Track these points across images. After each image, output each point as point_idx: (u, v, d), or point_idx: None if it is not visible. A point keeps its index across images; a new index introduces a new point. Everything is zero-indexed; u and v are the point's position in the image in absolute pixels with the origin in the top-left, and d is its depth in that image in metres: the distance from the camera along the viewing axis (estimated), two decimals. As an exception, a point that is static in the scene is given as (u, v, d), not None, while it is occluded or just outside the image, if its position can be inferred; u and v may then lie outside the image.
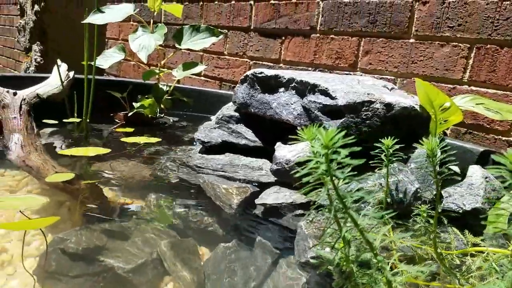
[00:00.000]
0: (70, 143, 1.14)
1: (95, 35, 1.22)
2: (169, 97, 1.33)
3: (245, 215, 0.85)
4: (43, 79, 1.35)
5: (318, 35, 1.51)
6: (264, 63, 1.70)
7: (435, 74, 1.26)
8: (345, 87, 0.86)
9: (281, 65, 1.64)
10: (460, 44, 1.20)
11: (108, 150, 1.01)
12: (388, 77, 1.36)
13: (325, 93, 0.86)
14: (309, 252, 0.70)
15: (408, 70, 1.31)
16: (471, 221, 0.81)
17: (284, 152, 0.92)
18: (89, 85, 1.26)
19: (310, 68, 1.55)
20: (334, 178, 0.46)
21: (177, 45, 1.30)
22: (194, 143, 1.14)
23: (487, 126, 1.19)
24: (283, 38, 1.62)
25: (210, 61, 1.91)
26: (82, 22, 1.21)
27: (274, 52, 1.65)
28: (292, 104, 0.94)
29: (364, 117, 0.82)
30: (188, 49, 1.42)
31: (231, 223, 0.83)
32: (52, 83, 1.31)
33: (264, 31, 1.68)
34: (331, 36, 1.48)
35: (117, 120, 1.34)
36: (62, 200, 0.83)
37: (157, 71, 1.23)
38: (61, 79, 1.30)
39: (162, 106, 1.31)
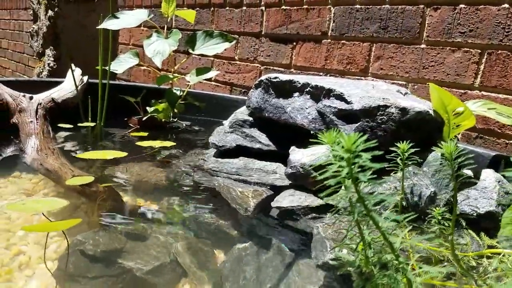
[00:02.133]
0: (86, 147, 1.16)
1: (110, 41, 1.24)
2: (182, 102, 1.35)
3: (260, 218, 0.86)
4: (57, 83, 1.38)
5: (329, 40, 1.53)
6: (275, 68, 1.71)
7: (446, 79, 1.26)
8: (360, 92, 0.87)
9: (292, 70, 1.65)
10: (471, 50, 1.21)
11: (125, 154, 1.03)
12: (400, 82, 1.37)
13: (340, 97, 0.88)
14: (327, 254, 0.71)
15: (419, 75, 1.32)
16: (485, 224, 0.82)
17: (299, 156, 0.93)
18: (103, 89, 1.28)
19: (321, 73, 1.56)
20: (356, 181, 0.47)
21: (190, 51, 1.32)
22: (210, 147, 1.16)
23: (498, 130, 1.19)
24: (294, 43, 1.64)
25: (221, 66, 1.93)
26: (97, 27, 1.24)
27: (285, 57, 1.67)
28: (306, 108, 0.95)
29: (379, 121, 0.83)
30: (201, 55, 1.44)
31: (246, 226, 0.85)
32: (67, 88, 1.33)
33: (275, 37, 1.70)
34: (342, 41, 1.49)
35: (131, 125, 1.36)
36: (80, 202, 0.84)
37: (171, 76, 1.25)
38: (75, 83, 1.32)
39: (175, 110, 1.32)
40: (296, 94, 0.98)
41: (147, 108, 1.35)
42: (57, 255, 0.68)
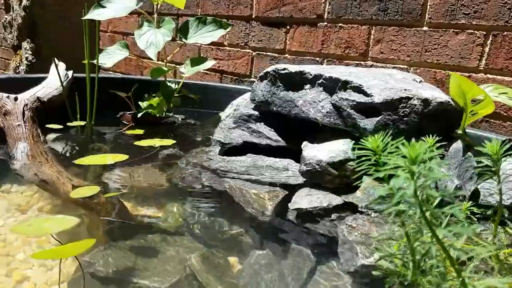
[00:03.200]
0: (80, 150, 1.08)
1: (97, 33, 1.15)
2: (177, 95, 1.28)
3: (277, 221, 0.81)
4: (39, 80, 1.28)
5: (325, 23, 1.47)
6: (268, 54, 1.65)
7: (449, 63, 1.23)
8: (379, 83, 0.83)
9: (286, 55, 1.59)
10: (476, 32, 1.18)
11: (126, 157, 0.96)
12: (401, 66, 1.33)
13: (358, 89, 0.83)
14: (358, 260, 0.67)
15: (422, 59, 1.28)
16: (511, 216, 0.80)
17: (313, 152, 0.89)
18: (92, 85, 1.20)
19: (318, 59, 1.51)
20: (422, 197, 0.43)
21: (184, 40, 1.24)
22: (213, 144, 1.09)
23: (504, 114, 1.17)
24: (288, 27, 1.57)
25: (209, 53, 1.85)
26: (82, 18, 1.14)
27: (279, 42, 1.60)
28: (320, 101, 0.90)
29: (402, 114, 0.79)
30: (196, 43, 1.37)
31: (262, 231, 0.80)
32: (52, 85, 1.24)
33: (267, 20, 1.63)
34: (339, 24, 1.44)
35: (124, 122, 1.28)
36: (78, 214, 0.78)
37: (166, 69, 1.17)
38: (60, 79, 1.23)
39: (171, 104, 1.25)
40: (307, 86, 0.93)
41: (140, 103, 1.27)
42: (65, 278, 0.62)
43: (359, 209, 0.82)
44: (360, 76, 0.86)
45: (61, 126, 1.19)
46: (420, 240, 0.52)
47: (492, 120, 1.20)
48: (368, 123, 0.81)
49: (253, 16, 1.67)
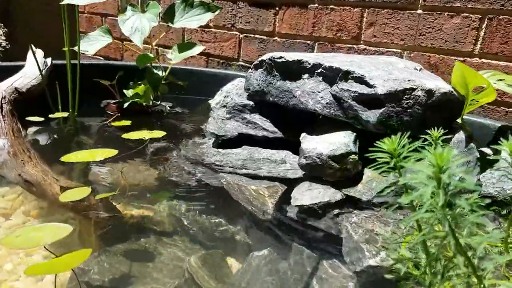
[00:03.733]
0: (65, 145, 1.02)
1: (76, 18, 1.08)
2: (164, 82, 1.22)
3: (278, 219, 0.78)
4: (16, 69, 1.19)
5: (316, 5, 1.42)
6: (256, 36, 1.59)
7: (444, 47, 1.21)
8: (382, 73, 0.80)
9: (275, 38, 1.54)
10: (471, 15, 1.15)
11: (115, 152, 0.91)
12: (394, 50, 1.30)
13: (360, 80, 0.80)
14: (365, 260, 0.65)
15: (416, 42, 1.26)
16: (513, 207, 0.79)
17: (313, 144, 0.86)
18: (74, 73, 1.13)
19: (309, 42, 1.47)
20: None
21: (170, 24, 1.17)
22: (207, 138, 1.05)
23: (498, 98, 1.17)
24: (277, 8, 1.52)
25: (194, 35, 1.77)
26: (61, 3, 1.06)
27: (268, 24, 1.55)
28: (319, 92, 0.87)
29: (405, 105, 0.77)
30: (183, 27, 1.31)
31: (262, 229, 0.77)
32: (30, 74, 1.16)
33: (255, 1, 1.57)
34: (331, 6, 1.39)
35: (109, 112, 1.21)
36: (66, 218, 0.73)
37: (152, 56, 1.11)
38: (39, 68, 1.15)
39: (158, 92, 1.19)
40: (306, 75, 0.89)
41: (125, 91, 1.21)
42: (57, 288, 0.58)
43: (362, 204, 0.80)
44: (362, 65, 0.83)
45: (42, 119, 1.12)
46: (442, 246, 0.50)
47: (486, 105, 1.19)
48: (371, 115, 0.78)
49: (240, -3, 1.60)
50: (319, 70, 0.87)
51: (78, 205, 0.74)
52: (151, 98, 1.19)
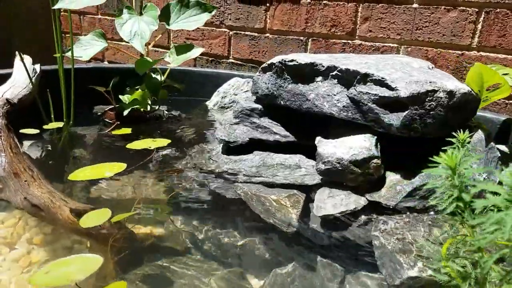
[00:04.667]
0: (64, 159, 0.96)
1: (69, 20, 1.01)
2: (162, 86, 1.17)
3: (301, 230, 0.75)
4: (2, 78, 1.12)
5: (309, 1, 1.40)
6: (247, 33, 1.56)
7: (441, 40, 1.22)
8: (403, 75, 0.79)
9: (267, 35, 1.51)
10: (468, 9, 1.16)
11: (124, 166, 0.86)
12: (391, 44, 1.30)
13: (381, 83, 0.79)
14: (403, 271, 0.64)
15: (413, 37, 1.26)
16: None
17: (330, 149, 0.84)
18: (67, 80, 1.07)
19: (302, 38, 1.45)
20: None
21: (166, 26, 1.13)
22: (212, 141, 1.02)
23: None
24: (268, 4, 1.48)
25: (180, 32, 1.72)
26: (53, 8, 1.00)
27: (258, 20, 1.52)
28: (334, 95, 0.85)
29: (428, 108, 0.76)
30: (180, 30, 1.25)
31: (283, 243, 0.73)
32: (19, 83, 1.09)
33: (244, -2, 1.53)
34: (324, 2, 1.37)
35: (107, 120, 1.16)
36: (76, 245, 0.68)
37: (150, 60, 1.06)
38: (29, 75, 1.08)
39: (158, 97, 1.15)
40: (319, 78, 0.88)
41: (121, 97, 1.15)
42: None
43: (388, 209, 0.79)
44: (380, 67, 0.81)
45: (37, 131, 1.05)
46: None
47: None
48: (394, 118, 0.78)
49: (228, -7, 1.56)
50: (334, 73, 0.85)
51: (91, 229, 0.69)
52: (149, 103, 1.15)
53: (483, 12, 1.14)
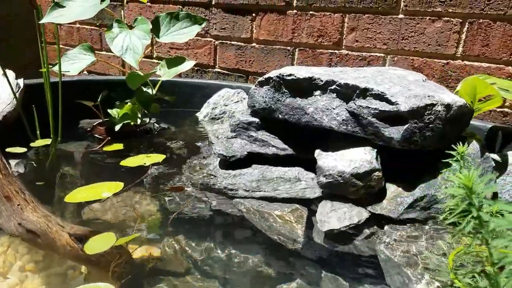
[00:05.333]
0: (55, 180, 0.92)
1: (57, 37, 0.98)
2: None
3: (305, 246, 0.75)
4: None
5: (295, 11, 1.41)
6: (233, 42, 1.55)
7: (427, 50, 1.25)
8: (401, 89, 0.80)
9: (254, 44, 1.51)
10: (452, 19, 1.20)
11: (122, 185, 0.84)
12: (377, 54, 1.32)
13: (380, 97, 0.80)
14: (412, 285, 0.65)
15: (399, 46, 1.29)
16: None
17: (331, 162, 0.85)
18: (54, 94, 1.03)
19: (289, 48, 1.45)
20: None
21: (156, 39, 1.11)
22: (211, 157, 1.01)
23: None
24: (254, 14, 1.48)
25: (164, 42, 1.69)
26: (40, 22, 0.96)
27: (245, 30, 1.51)
28: (334, 109, 0.86)
29: (427, 121, 0.78)
30: (172, 43, 1.24)
31: (286, 259, 0.72)
32: (3, 99, 1.05)
33: (230, 7, 1.52)
34: (310, 12, 1.39)
35: (97, 135, 1.13)
36: (70, 271, 0.66)
37: (141, 73, 1.04)
38: (13, 91, 1.04)
39: (150, 111, 1.12)
40: (318, 92, 0.88)
41: (110, 111, 1.13)
42: None
43: (390, 221, 0.80)
44: (378, 82, 0.83)
45: (24, 149, 1.01)
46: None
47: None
48: (394, 131, 0.79)
49: (213, 3, 1.55)
50: (332, 87, 0.86)
51: (91, 255, 0.66)
52: (139, 116, 1.12)
53: (467, 23, 1.18)
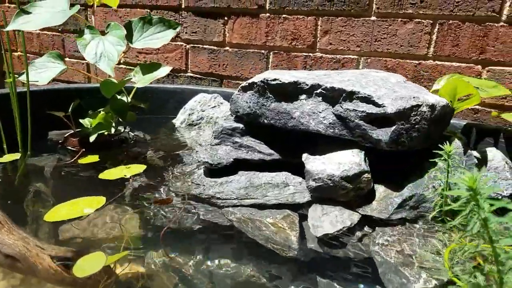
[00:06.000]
0: (28, 197, 0.86)
1: (23, 44, 0.92)
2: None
3: (300, 253, 0.74)
4: None
5: (268, 14, 1.40)
6: (205, 46, 1.52)
7: (399, 51, 1.27)
8: (387, 92, 0.81)
9: (227, 48, 1.49)
10: (423, 21, 1.23)
11: (103, 200, 0.80)
12: (351, 56, 1.34)
13: (367, 100, 0.80)
14: (410, 285, 0.66)
15: (372, 48, 1.31)
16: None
17: (319, 165, 0.84)
18: (22, 105, 0.97)
19: (263, 51, 1.44)
20: None
21: (129, 44, 1.07)
22: (194, 166, 0.98)
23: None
24: (226, 18, 1.46)
25: (132, 48, 1.64)
26: (4, 30, 0.90)
27: (217, 34, 1.49)
28: (320, 112, 0.85)
29: (413, 122, 0.79)
30: (147, 48, 1.19)
31: (284, 268, 0.69)
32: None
33: (200, 11, 1.50)
34: (283, 16, 1.38)
35: (70, 147, 1.07)
36: None
37: (116, 81, 0.99)
38: (-25, 103, 0.97)
39: (126, 119, 1.08)
40: (303, 96, 0.87)
41: (82, 121, 1.07)
42: None
43: (381, 222, 0.81)
44: (363, 84, 0.83)
45: (-7, 165, 0.94)
46: None
47: (441, 104, 1.28)
48: (382, 133, 0.79)
49: (183, 6, 1.52)
50: (318, 91, 0.86)
51: (74, 280, 0.62)
52: (113, 125, 1.08)
53: (437, 24, 1.21)
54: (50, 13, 0.91)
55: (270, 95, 0.90)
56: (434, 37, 1.23)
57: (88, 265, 0.61)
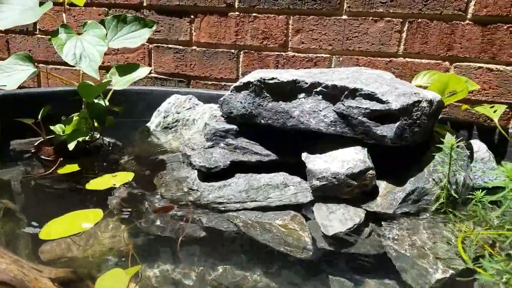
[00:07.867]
0: (13, 214, 0.76)
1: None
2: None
3: (316, 254, 0.72)
4: None
5: (237, 13, 1.37)
6: (170, 46, 1.46)
7: (371, 49, 1.31)
8: (389, 88, 0.82)
9: (194, 47, 1.44)
10: (393, 19, 1.27)
11: (101, 213, 0.72)
12: (324, 55, 1.35)
13: (370, 97, 0.80)
14: (430, 276, 0.67)
15: (344, 47, 1.33)
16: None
17: (321, 164, 0.84)
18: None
19: (233, 50, 1.41)
20: None
21: (103, 44, 0.98)
22: (185, 170, 0.92)
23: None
24: (192, 16, 1.41)
25: (88, 49, 1.53)
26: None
27: (183, 33, 1.43)
28: (320, 111, 0.85)
29: (415, 117, 0.81)
30: (124, 48, 1.10)
31: (302, 271, 0.68)
32: None
33: (164, 9, 1.43)
34: (253, 14, 1.36)
35: (44, 157, 0.96)
36: None
37: (94, 84, 0.91)
38: None
39: (105, 125, 0.99)
40: (302, 95, 0.86)
41: (53, 127, 0.97)
42: None
43: (386, 217, 0.82)
44: (363, 81, 0.83)
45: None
46: None
47: (410, 100, 1.33)
48: (386, 130, 0.80)
49: (145, 4, 1.44)
50: (318, 89, 0.85)
51: None
52: (90, 131, 0.99)
53: (407, 22, 1.26)
54: (19, 11, 0.81)
55: (267, 95, 0.87)
56: (404, 35, 1.27)
57: (110, 286, 0.55)
